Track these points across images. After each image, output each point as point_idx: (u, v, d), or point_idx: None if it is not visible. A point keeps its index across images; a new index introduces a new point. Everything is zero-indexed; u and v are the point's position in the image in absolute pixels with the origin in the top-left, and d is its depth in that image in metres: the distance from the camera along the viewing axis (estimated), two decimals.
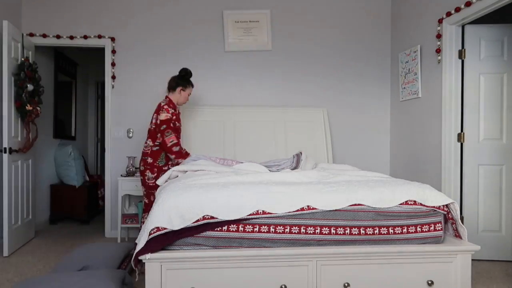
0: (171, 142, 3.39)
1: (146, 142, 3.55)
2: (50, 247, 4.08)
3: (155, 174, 3.49)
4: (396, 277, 2.20)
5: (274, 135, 4.38)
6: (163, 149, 3.47)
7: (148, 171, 3.49)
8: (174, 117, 3.49)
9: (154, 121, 3.49)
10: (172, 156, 3.43)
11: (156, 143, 3.48)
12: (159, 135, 3.45)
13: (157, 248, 2.08)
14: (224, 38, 4.57)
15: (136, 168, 4.43)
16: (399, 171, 4.53)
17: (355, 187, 2.32)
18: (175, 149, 3.41)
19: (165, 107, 3.45)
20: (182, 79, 3.64)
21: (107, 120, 4.53)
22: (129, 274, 2.69)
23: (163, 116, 3.40)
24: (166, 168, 3.52)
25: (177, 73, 3.71)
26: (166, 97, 3.61)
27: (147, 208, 3.55)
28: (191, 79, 3.77)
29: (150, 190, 3.51)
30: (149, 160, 3.49)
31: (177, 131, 3.48)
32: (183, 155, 3.44)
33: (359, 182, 2.48)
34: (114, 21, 4.54)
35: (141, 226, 3.68)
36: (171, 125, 3.42)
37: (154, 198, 3.47)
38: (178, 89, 3.61)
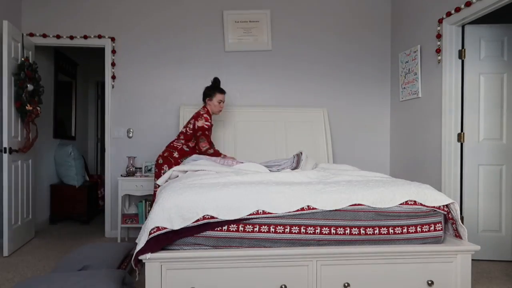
0: (204, 147, 3.62)
1: (179, 140, 3.72)
2: (50, 247, 4.08)
3: None
4: (396, 277, 2.20)
5: (274, 135, 4.38)
6: (200, 153, 3.64)
7: (166, 165, 3.57)
8: (211, 126, 3.72)
9: (191, 126, 3.67)
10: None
11: (189, 144, 3.69)
12: (193, 139, 3.68)
13: (157, 247, 2.08)
14: (224, 38, 4.57)
15: (136, 168, 4.42)
16: (399, 171, 4.53)
17: (355, 187, 2.32)
18: (210, 151, 3.63)
19: (205, 115, 3.67)
20: (208, 89, 3.82)
21: (107, 120, 4.53)
22: (129, 274, 2.69)
23: (200, 123, 3.63)
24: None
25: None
26: (203, 107, 3.78)
27: None
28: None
29: None
30: (176, 154, 3.64)
31: (208, 137, 3.70)
32: (218, 153, 3.69)
33: (359, 182, 2.48)
34: (114, 21, 4.54)
35: None
36: (206, 132, 3.65)
37: None
38: (206, 99, 3.80)
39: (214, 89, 3.80)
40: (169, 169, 3.50)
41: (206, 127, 3.65)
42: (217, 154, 3.69)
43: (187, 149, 3.70)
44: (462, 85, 3.65)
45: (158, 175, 3.58)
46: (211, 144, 3.72)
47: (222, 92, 3.83)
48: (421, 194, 2.30)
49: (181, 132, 3.76)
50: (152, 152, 4.50)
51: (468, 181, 3.64)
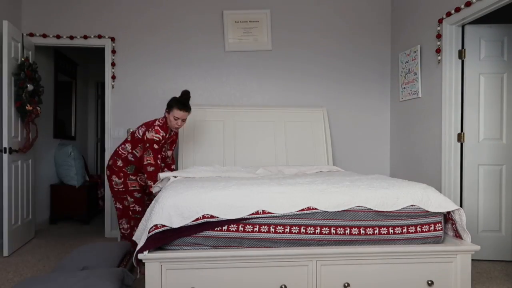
0: (147, 161, 3.22)
1: (124, 145, 3.42)
2: (50, 247, 4.08)
3: (122, 179, 3.39)
4: (396, 277, 2.20)
5: (274, 135, 4.37)
6: (139, 163, 3.37)
7: (115, 175, 3.39)
8: (163, 141, 3.33)
9: (141, 133, 3.33)
10: (145, 175, 3.28)
11: (134, 152, 3.39)
12: (140, 145, 3.36)
13: (155, 245, 2.08)
14: (224, 38, 4.57)
15: None
16: (399, 171, 4.53)
17: (358, 189, 2.32)
18: (149, 169, 3.22)
19: (157, 127, 3.25)
20: (172, 100, 3.34)
21: (107, 120, 4.53)
22: (129, 272, 2.69)
23: (150, 135, 3.23)
24: (134, 177, 3.41)
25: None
26: (164, 116, 3.38)
27: (123, 213, 3.43)
28: (188, 89, 3.71)
29: (122, 195, 3.41)
30: (120, 163, 3.40)
31: (158, 152, 3.28)
32: (154, 178, 3.21)
33: (363, 182, 2.48)
34: (114, 21, 4.54)
35: (121, 234, 3.52)
36: (154, 146, 3.22)
37: (127, 203, 3.40)
38: (165, 111, 3.35)
39: (175, 103, 3.28)
40: (118, 179, 3.38)
41: (156, 139, 3.22)
42: (153, 177, 3.19)
43: (132, 159, 3.37)
44: (462, 85, 3.65)
45: (111, 188, 3.43)
46: (156, 160, 3.22)
47: (182, 109, 3.26)
48: (425, 199, 2.29)
49: (131, 135, 3.41)
50: None
51: (468, 181, 3.63)
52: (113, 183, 3.41)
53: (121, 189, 3.40)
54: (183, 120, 3.34)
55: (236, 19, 4.56)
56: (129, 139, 3.42)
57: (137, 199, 3.43)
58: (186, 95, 3.34)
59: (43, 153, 5.14)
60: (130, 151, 3.39)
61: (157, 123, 3.32)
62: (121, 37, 4.54)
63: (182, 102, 3.30)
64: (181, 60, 4.58)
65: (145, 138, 3.28)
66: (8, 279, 3.11)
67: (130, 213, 3.43)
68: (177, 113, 3.27)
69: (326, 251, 2.15)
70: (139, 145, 3.36)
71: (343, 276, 2.17)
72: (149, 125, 3.34)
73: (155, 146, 3.23)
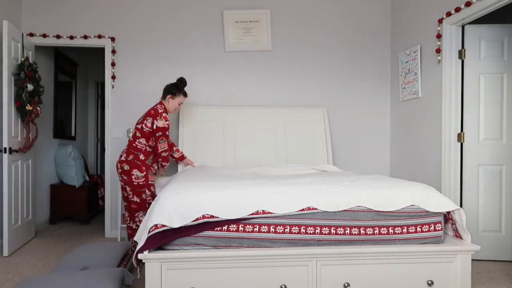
0: (162, 148, 3.56)
1: (139, 140, 3.54)
2: (50, 247, 4.08)
3: (144, 173, 3.49)
4: (396, 277, 2.20)
5: (274, 135, 4.37)
6: (153, 152, 3.59)
7: (136, 169, 3.47)
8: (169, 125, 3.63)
9: (149, 124, 3.51)
10: (160, 159, 3.62)
11: (150, 144, 3.56)
12: (152, 138, 3.56)
13: (155, 245, 2.09)
14: (224, 38, 4.57)
15: None
16: (399, 171, 4.53)
17: (358, 188, 2.32)
18: (164, 154, 3.58)
19: (164, 114, 3.53)
20: (174, 87, 3.70)
21: (107, 120, 4.53)
22: (129, 272, 2.69)
23: (161, 123, 3.50)
24: (153, 171, 3.63)
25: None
26: (161, 103, 3.65)
27: (140, 207, 3.51)
28: (188, 89, 3.90)
29: (141, 189, 3.49)
30: (142, 156, 3.52)
31: (168, 138, 3.64)
32: (168, 159, 3.67)
33: (362, 182, 2.48)
34: (114, 21, 4.54)
35: (130, 232, 3.61)
36: (167, 133, 3.56)
37: (145, 196, 3.52)
38: (168, 96, 3.67)
39: (180, 90, 3.71)
40: (140, 173, 3.47)
41: (167, 126, 3.54)
42: (168, 159, 3.63)
43: (150, 149, 3.58)
44: (462, 85, 3.65)
45: (129, 182, 3.47)
46: (170, 146, 3.77)
47: (186, 95, 3.79)
48: (425, 199, 2.29)
49: (138, 130, 3.55)
50: None
51: (468, 181, 3.63)
52: (133, 177, 3.48)
53: (142, 183, 3.49)
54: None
55: (236, 19, 4.56)
56: (138, 135, 3.55)
57: (152, 193, 3.57)
58: (185, 82, 3.75)
59: (43, 153, 5.14)
60: (146, 143, 3.55)
61: (160, 110, 3.55)
62: (121, 37, 4.54)
63: (184, 90, 3.76)
64: (181, 60, 4.58)
65: (155, 127, 3.49)
66: (8, 279, 3.11)
67: (147, 205, 3.53)
68: (183, 99, 3.74)
69: (326, 251, 2.15)
70: (152, 137, 3.55)
71: (343, 276, 2.17)
72: (155, 115, 3.52)
73: (167, 133, 3.57)
